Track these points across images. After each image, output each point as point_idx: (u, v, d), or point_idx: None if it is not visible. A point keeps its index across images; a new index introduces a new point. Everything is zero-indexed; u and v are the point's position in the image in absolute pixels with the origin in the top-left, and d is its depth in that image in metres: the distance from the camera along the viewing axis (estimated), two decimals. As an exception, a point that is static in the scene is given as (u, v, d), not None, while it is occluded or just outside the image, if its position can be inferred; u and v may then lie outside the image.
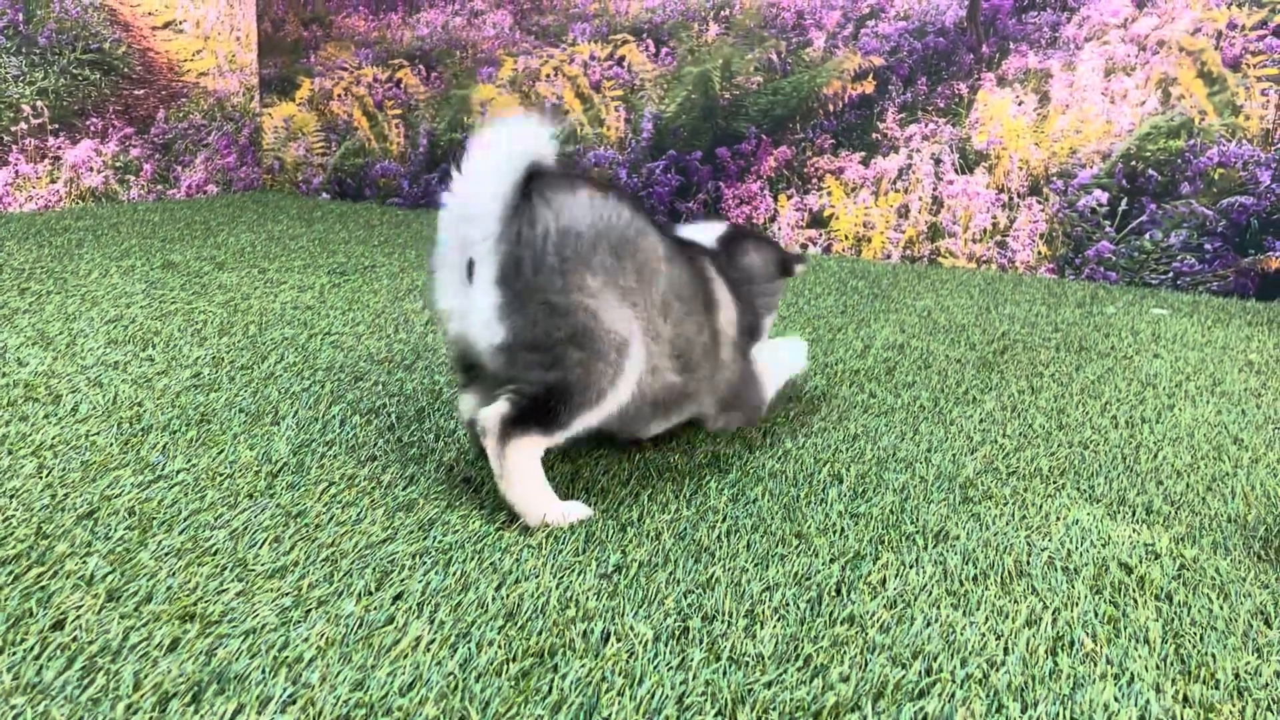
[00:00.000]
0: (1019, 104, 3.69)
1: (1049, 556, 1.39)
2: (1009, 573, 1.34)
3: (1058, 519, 1.53)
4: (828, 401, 2.07)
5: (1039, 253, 3.73)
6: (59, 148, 4.40)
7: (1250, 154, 3.35)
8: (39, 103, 4.29)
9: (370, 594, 1.22)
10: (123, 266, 3.14)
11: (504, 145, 1.39)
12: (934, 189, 3.86)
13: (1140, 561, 1.39)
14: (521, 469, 1.41)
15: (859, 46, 3.92)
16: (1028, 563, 1.37)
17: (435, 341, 2.41)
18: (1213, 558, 1.42)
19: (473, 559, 1.32)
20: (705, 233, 1.90)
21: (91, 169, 4.53)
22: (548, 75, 4.55)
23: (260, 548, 1.32)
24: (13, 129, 4.23)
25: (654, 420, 1.61)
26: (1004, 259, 3.79)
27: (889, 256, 3.98)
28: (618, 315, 1.41)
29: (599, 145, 4.47)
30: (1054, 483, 1.67)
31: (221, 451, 1.64)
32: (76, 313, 2.52)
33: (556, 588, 1.25)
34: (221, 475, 1.55)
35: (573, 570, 1.30)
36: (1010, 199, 3.75)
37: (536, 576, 1.28)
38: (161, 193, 4.85)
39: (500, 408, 1.39)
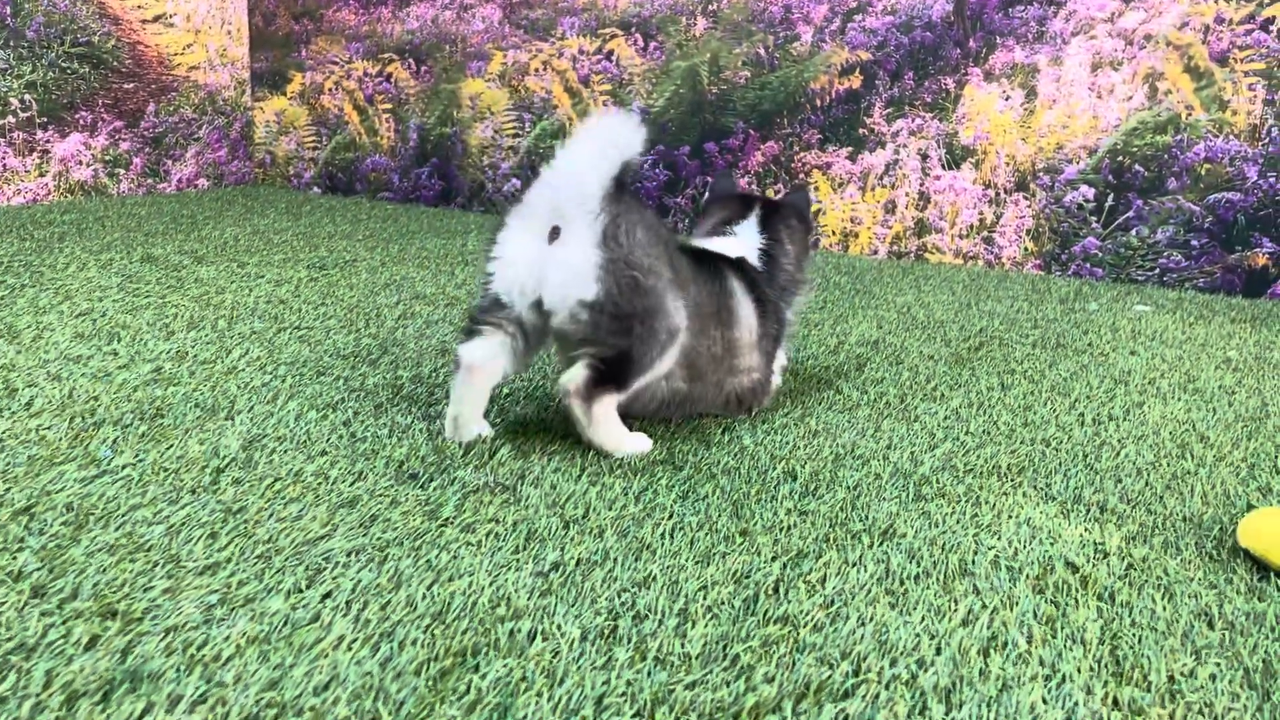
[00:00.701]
0: (1006, 99, 3.66)
1: (995, 555, 1.38)
2: (952, 571, 1.33)
3: (1009, 517, 1.51)
4: (793, 398, 2.05)
5: (1025, 249, 3.70)
6: (47, 141, 4.40)
7: (1237, 149, 3.32)
8: (27, 96, 4.29)
9: (300, 591, 1.21)
10: (101, 260, 3.14)
11: (613, 136, 1.60)
12: (921, 184, 3.84)
13: (1087, 561, 1.37)
14: (606, 417, 1.67)
15: (846, 41, 3.90)
16: (972, 562, 1.36)
17: (403, 336, 2.40)
18: (1162, 557, 1.40)
19: (409, 556, 1.30)
20: (742, 235, 2.01)
21: (81, 162, 4.53)
22: (536, 70, 4.54)
23: (195, 544, 1.31)
24: (0, 122, 4.23)
25: (661, 410, 1.83)
26: (990, 255, 3.76)
27: (875, 252, 3.96)
28: (675, 307, 1.66)
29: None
30: (1010, 480, 1.65)
31: (171, 446, 1.63)
32: (48, 306, 2.51)
33: (490, 586, 1.24)
34: (167, 470, 1.54)
35: (509, 568, 1.29)
36: (997, 195, 3.72)
37: (471, 575, 1.26)
38: (152, 186, 4.85)
39: (582, 373, 1.64)
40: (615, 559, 1.32)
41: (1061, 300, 3.19)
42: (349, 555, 1.30)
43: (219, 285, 2.86)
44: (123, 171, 4.72)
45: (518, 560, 1.31)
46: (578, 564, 1.30)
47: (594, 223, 1.60)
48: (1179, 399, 2.15)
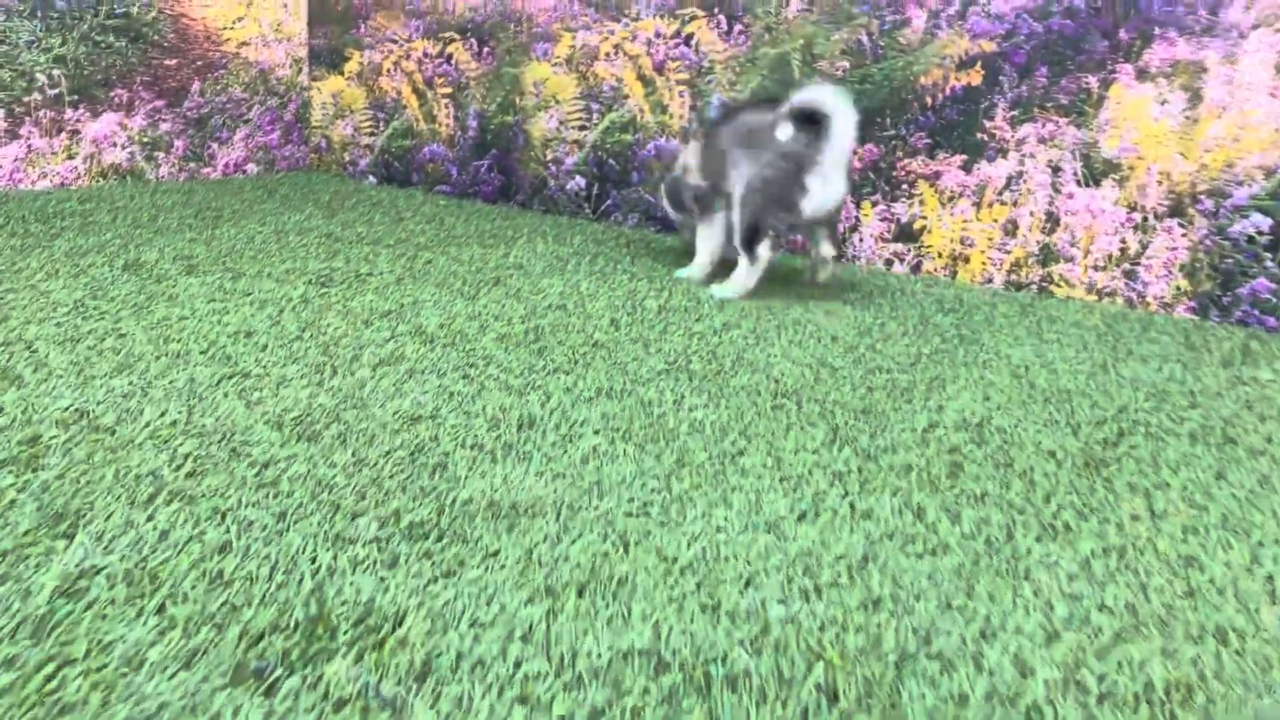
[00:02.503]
0: (1162, 104, 2.99)
1: None
2: None
3: (1173, 814, 0.94)
4: (854, 526, 1.49)
5: (1177, 287, 3.03)
6: (78, 120, 4.06)
7: None
8: (56, 71, 3.96)
9: None
10: (80, 266, 2.74)
11: (853, 116, 2.77)
12: (1050, 203, 3.19)
13: None
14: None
15: (966, 28, 3.26)
16: None
17: (371, 393, 1.91)
18: None
19: None
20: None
21: (115, 144, 4.19)
22: (607, 54, 4.01)
23: None
24: (25, 99, 3.90)
25: None
26: (1132, 292, 3.10)
27: (989, 280, 3.33)
28: None
29: (660, 135, 3.91)
30: (1171, 717, 1.08)
31: (-43, 587, 1.17)
32: (-29, 331, 2.11)
33: None
34: (-78, 637, 1.07)
35: None
36: (1145, 219, 3.05)
37: None
38: (194, 171, 4.49)
39: (827, 245, 3.04)
40: None
41: (1224, 362, 2.53)
42: None
43: (192, 306, 2.42)
44: (162, 155, 4.37)
45: None
46: None
47: (845, 167, 2.82)
48: None
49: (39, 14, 3.87)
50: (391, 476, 1.55)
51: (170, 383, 1.89)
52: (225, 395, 1.85)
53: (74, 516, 1.35)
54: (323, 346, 2.18)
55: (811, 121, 2.74)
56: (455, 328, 2.40)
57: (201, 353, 2.08)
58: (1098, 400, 2.16)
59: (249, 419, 1.74)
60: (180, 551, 1.28)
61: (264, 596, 1.19)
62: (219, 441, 1.64)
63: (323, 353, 2.14)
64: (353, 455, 1.62)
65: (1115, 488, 1.69)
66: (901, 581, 1.33)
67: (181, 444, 1.62)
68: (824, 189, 2.78)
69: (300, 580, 1.23)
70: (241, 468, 1.55)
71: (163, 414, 1.74)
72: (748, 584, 1.30)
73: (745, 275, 2.90)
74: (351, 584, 1.23)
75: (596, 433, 1.79)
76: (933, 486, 1.65)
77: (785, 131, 2.79)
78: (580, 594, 1.25)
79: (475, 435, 1.74)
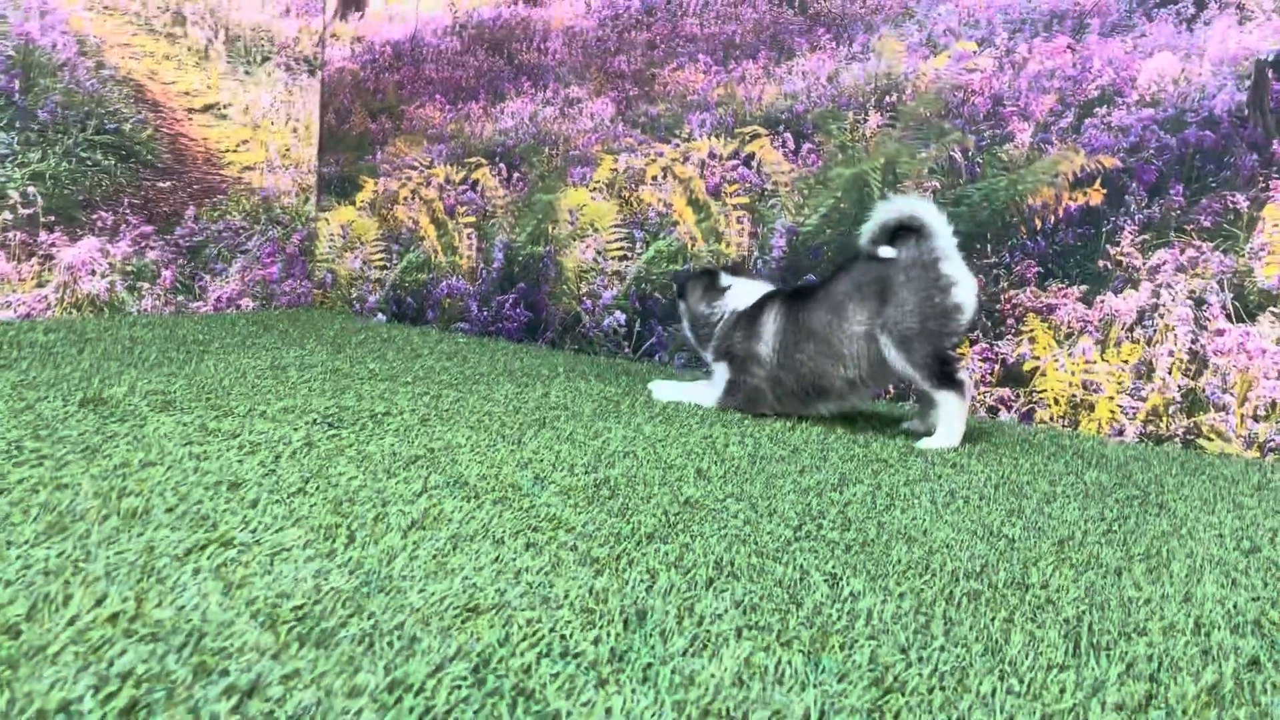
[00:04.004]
0: (1329, 224, 2.54)
1: None
2: None
3: None
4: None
5: (1363, 441, 2.51)
6: (53, 245, 3.59)
7: None
8: (31, 188, 3.50)
9: None
10: (27, 401, 2.20)
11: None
12: (1193, 341, 2.70)
13: None
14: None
15: (1082, 142, 2.85)
16: None
17: (404, 570, 1.34)
18: None
19: None
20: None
21: (94, 272, 3.70)
22: (654, 177, 3.59)
23: None
24: (-6, 219, 3.44)
25: None
26: (1305, 447, 2.58)
27: (1120, 432, 2.81)
28: None
29: (714, 264, 3.45)
30: None
31: None
32: None
33: None
34: None
35: None
36: (1315, 360, 2.56)
37: None
38: (183, 305, 4.00)
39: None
40: None
41: None
42: None
43: (161, 450, 1.87)
44: (148, 285, 3.88)
45: None
46: None
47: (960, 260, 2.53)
48: None
49: (17, 124, 3.44)
50: (450, 713, 0.97)
51: (118, 553, 1.32)
52: (196, 573, 1.28)
53: (-92, 799, 0.77)
54: (333, 503, 1.62)
55: (903, 232, 2.48)
56: (504, 478, 1.84)
57: (167, 510, 1.51)
58: (1380, 586, 1.60)
59: (228, 610, 1.17)
60: None
61: None
62: (180, 649, 1.06)
63: (334, 510, 1.57)
64: (385, 672, 1.05)
65: None
66: None
67: (121, 653, 1.04)
68: (966, 275, 2.47)
69: None
70: (211, 697, 0.96)
71: (100, 601, 1.16)
72: None
73: (958, 414, 2.47)
74: None
75: (740, 634, 1.22)
76: (1276, 727, 1.07)
77: (888, 251, 2.48)
78: None
79: (565, 638, 1.17)
